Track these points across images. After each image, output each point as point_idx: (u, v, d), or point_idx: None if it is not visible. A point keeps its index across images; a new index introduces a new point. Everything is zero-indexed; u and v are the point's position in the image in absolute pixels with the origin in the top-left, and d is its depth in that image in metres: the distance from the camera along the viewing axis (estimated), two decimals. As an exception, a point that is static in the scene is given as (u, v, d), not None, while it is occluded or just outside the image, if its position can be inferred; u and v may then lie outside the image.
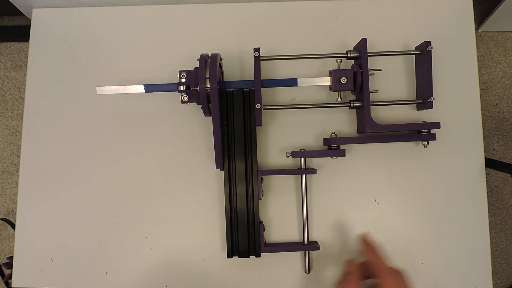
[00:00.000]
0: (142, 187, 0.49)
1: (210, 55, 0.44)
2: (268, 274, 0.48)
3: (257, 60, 0.44)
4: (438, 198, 0.48)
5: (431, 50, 0.46)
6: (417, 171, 0.49)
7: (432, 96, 0.46)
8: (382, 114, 0.49)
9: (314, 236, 0.48)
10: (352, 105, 0.46)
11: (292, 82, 0.46)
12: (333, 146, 0.47)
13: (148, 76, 0.50)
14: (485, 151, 0.49)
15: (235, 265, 0.48)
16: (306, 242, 0.46)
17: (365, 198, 0.49)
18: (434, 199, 0.48)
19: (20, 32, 1.23)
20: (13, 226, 1.07)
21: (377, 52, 0.47)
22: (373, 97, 0.46)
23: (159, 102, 0.50)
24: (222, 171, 0.45)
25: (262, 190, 0.45)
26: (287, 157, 0.47)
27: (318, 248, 0.46)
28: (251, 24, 0.51)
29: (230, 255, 0.45)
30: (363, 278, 0.39)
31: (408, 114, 0.49)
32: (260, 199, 0.45)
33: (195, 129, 0.49)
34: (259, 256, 0.45)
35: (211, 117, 0.43)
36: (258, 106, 0.44)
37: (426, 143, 0.47)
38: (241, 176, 0.45)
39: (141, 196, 0.49)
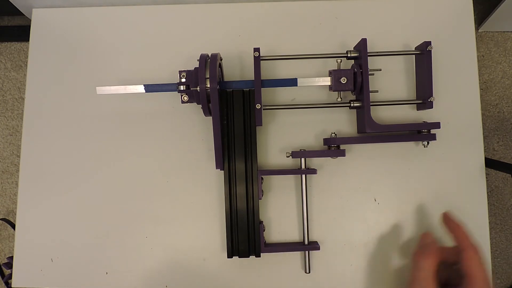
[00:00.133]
0: (142, 187, 0.49)
1: (210, 55, 0.44)
2: (268, 274, 0.48)
3: (257, 60, 0.44)
4: (438, 198, 0.48)
5: (431, 50, 0.46)
6: (417, 171, 0.49)
7: (432, 96, 0.46)
8: (382, 114, 0.49)
9: (314, 236, 0.48)
10: (352, 105, 0.46)
11: (292, 82, 0.46)
12: (333, 146, 0.47)
13: (148, 76, 0.50)
14: (485, 151, 0.49)
15: (235, 265, 0.48)
16: (306, 242, 0.46)
17: (365, 198, 0.49)
18: (434, 199, 0.48)
19: (20, 32, 1.23)
20: (13, 226, 1.07)
21: (377, 52, 0.47)
22: (373, 97, 0.46)
23: (159, 102, 0.50)
24: (222, 171, 0.45)
25: (262, 190, 0.45)
26: (287, 157, 0.47)
27: (318, 248, 0.46)
28: (251, 24, 0.51)
29: (230, 255, 0.45)
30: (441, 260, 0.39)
31: (408, 114, 0.49)
32: (260, 199, 0.45)
33: (195, 129, 0.49)
34: (259, 256, 0.45)
35: (211, 117, 0.43)
36: (258, 106, 0.44)
37: (426, 143, 0.47)
38: (241, 176, 0.45)
39: (141, 196, 0.49)
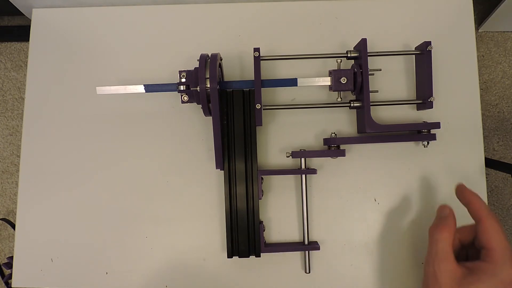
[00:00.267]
0: (142, 187, 0.49)
1: (210, 55, 0.44)
2: (268, 274, 0.48)
3: (257, 60, 0.44)
4: (438, 198, 0.48)
5: (431, 50, 0.46)
6: (417, 171, 0.49)
7: (432, 96, 0.46)
8: (382, 114, 0.49)
9: (314, 236, 0.48)
10: (352, 105, 0.46)
11: (292, 82, 0.46)
12: (333, 146, 0.47)
13: (148, 76, 0.50)
14: (485, 151, 0.49)
15: (235, 265, 0.48)
16: (306, 242, 0.46)
17: (365, 198, 0.49)
18: (434, 199, 0.48)
19: (20, 32, 1.23)
20: (13, 226, 1.07)
21: (377, 52, 0.47)
22: (373, 97, 0.46)
23: (159, 102, 0.50)
24: (222, 171, 0.45)
25: (262, 190, 0.45)
26: (287, 157, 0.47)
27: (318, 248, 0.46)
28: (251, 24, 0.51)
29: (230, 255, 0.45)
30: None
31: (408, 114, 0.49)
32: (260, 199, 0.45)
33: (195, 129, 0.49)
34: (259, 256, 0.45)
35: (211, 117, 0.43)
36: (258, 106, 0.44)
37: (426, 143, 0.47)
38: (241, 176, 0.45)
39: (141, 196, 0.49)
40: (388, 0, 0.52)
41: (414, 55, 0.49)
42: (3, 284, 0.97)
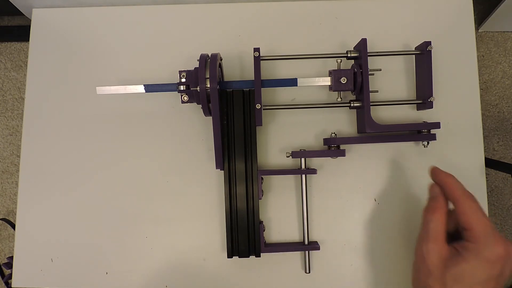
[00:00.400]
0: (142, 187, 0.49)
1: (210, 55, 0.44)
2: (268, 274, 0.48)
3: (257, 60, 0.44)
4: (438, 198, 0.48)
5: (431, 50, 0.46)
6: (417, 171, 0.49)
7: (432, 96, 0.46)
8: (382, 114, 0.49)
9: (314, 236, 0.48)
10: (352, 105, 0.46)
11: (292, 82, 0.46)
12: (333, 146, 0.47)
13: (148, 76, 0.50)
14: (485, 151, 0.49)
15: (235, 265, 0.48)
16: (306, 242, 0.46)
17: (365, 198, 0.49)
18: (434, 199, 0.48)
19: (20, 32, 1.23)
20: (13, 226, 1.07)
21: (377, 52, 0.47)
22: (373, 97, 0.46)
23: (159, 102, 0.50)
24: (222, 171, 0.45)
25: (262, 190, 0.45)
26: (287, 157, 0.47)
27: (318, 248, 0.46)
28: (251, 24, 0.51)
29: (230, 255, 0.45)
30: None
31: (408, 114, 0.49)
32: (260, 199, 0.45)
33: (195, 129, 0.49)
34: (259, 256, 0.45)
35: (211, 117, 0.43)
36: (258, 106, 0.44)
37: (426, 143, 0.47)
38: (241, 176, 0.45)
39: (141, 196, 0.49)
40: (388, 0, 0.52)
41: (414, 55, 0.49)
42: (3, 284, 0.97)
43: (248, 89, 0.46)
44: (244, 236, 0.44)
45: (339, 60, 0.46)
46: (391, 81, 0.50)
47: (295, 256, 0.48)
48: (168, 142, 0.49)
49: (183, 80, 0.44)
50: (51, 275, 0.48)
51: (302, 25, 0.51)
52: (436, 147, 0.49)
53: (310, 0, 0.52)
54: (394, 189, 0.49)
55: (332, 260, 0.48)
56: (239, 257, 0.45)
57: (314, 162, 0.49)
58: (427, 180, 0.49)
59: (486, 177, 0.92)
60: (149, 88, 0.45)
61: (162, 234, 0.48)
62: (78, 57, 0.51)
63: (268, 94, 0.50)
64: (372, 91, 0.46)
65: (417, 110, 0.49)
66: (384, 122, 0.49)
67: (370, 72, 0.45)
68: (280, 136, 0.49)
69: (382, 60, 0.50)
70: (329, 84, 0.46)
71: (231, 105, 0.45)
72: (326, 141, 0.47)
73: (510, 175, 0.83)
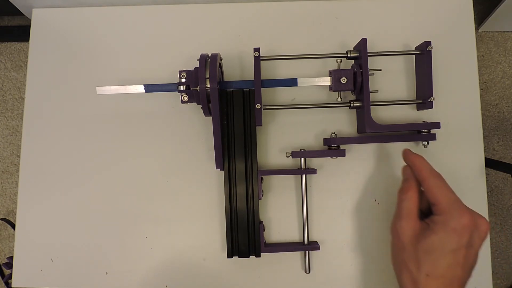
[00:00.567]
0: (142, 187, 0.49)
1: (210, 55, 0.44)
2: (268, 274, 0.48)
3: (257, 60, 0.44)
4: (438, 198, 0.48)
5: (431, 50, 0.46)
6: (417, 171, 0.49)
7: (432, 96, 0.46)
8: (382, 114, 0.49)
9: (314, 236, 0.48)
10: (352, 105, 0.46)
11: (292, 82, 0.46)
12: (333, 146, 0.47)
13: (148, 76, 0.50)
14: (485, 151, 0.49)
15: (235, 265, 0.48)
16: (306, 242, 0.46)
17: (365, 198, 0.49)
18: (434, 199, 0.48)
19: (20, 32, 1.23)
20: (13, 226, 1.07)
21: (377, 52, 0.47)
22: (373, 97, 0.46)
23: (159, 102, 0.50)
24: (222, 171, 0.45)
25: (262, 190, 0.45)
26: (287, 157, 0.47)
27: (318, 248, 0.46)
28: (251, 24, 0.51)
29: (230, 255, 0.45)
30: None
31: (408, 114, 0.49)
32: (260, 199, 0.45)
33: (195, 129, 0.49)
34: (259, 256, 0.45)
35: (211, 117, 0.43)
36: (258, 106, 0.44)
37: (426, 143, 0.47)
38: (241, 176, 0.45)
39: (141, 196, 0.49)
40: (388, 0, 0.52)
41: (414, 55, 0.49)
42: (3, 284, 0.97)
43: (248, 89, 0.46)
44: (244, 236, 0.44)
45: (339, 60, 0.46)
46: (391, 81, 0.50)
47: (295, 256, 0.48)
48: (168, 142, 0.49)
49: (183, 80, 0.44)
50: (51, 275, 0.48)
51: (302, 25, 0.51)
52: (436, 147, 0.49)
53: (310, 0, 0.52)
54: (394, 189, 0.48)
55: (332, 260, 0.48)
56: (239, 257, 0.45)
57: (314, 162, 0.49)
58: (427, 180, 0.49)
59: (486, 177, 0.92)
60: (149, 88, 0.45)
61: (162, 234, 0.48)
62: (78, 57, 0.51)
63: (268, 94, 0.50)
64: (372, 91, 0.46)
65: (417, 110, 0.49)
66: (384, 122, 0.49)
67: (370, 72, 0.45)
68: (280, 136, 0.49)
69: (382, 60, 0.50)
70: (329, 84, 0.46)
71: (231, 105, 0.45)
72: (326, 141, 0.47)
73: (510, 175, 0.83)
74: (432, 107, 0.47)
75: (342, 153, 0.46)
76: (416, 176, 0.40)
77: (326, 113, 0.49)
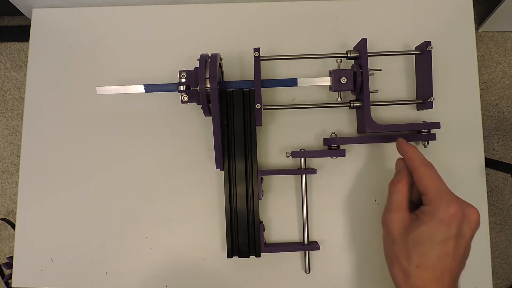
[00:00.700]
0: (142, 187, 0.49)
1: (210, 55, 0.44)
2: (268, 274, 0.48)
3: (257, 60, 0.44)
4: (438, 198, 0.48)
5: (431, 50, 0.46)
6: (417, 171, 0.49)
7: (432, 96, 0.46)
8: (382, 114, 0.49)
9: (314, 236, 0.48)
10: (352, 105, 0.46)
11: (292, 82, 0.46)
12: (333, 146, 0.47)
13: (148, 76, 0.50)
14: (485, 151, 0.49)
15: (235, 265, 0.48)
16: (306, 242, 0.46)
17: (365, 198, 0.49)
18: (434, 199, 0.48)
19: (20, 32, 1.23)
20: (13, 226, 1.07)
21: (377, 52, 0.47)
22: (373, 97, 0.46)
23: (159, 102, 0.50)
24: (222, 171, 0.45)
25: (262, 190, 0.45)
26: (287, 157, 0.47)
27: (318, 248, 0.46)
28: (251, 24, 0.51)
29: (230, 255, 0.45)
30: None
31: (408, 114, 0.49)
32: (260, 199, 0.45)
33: (195, 129, 0.49)
34: (259, 256, 0.45)
35: (211, 117, 0.43)
36: (258, 106, 0.44)
37: (426, 143, 0.47)
38: (241, 176, 0.45)
39: (141, 196, 0.49)
40: (388, 0, 0.52)
41: (414, 55, 0.49)
42: (3, 284, 0.97)
43: (248, 89, 0.46)
44: (244, 236, 0.44)
45: (339, 60, 0.46)
46: (391, 81, 0.50)
47: (295, 256, 0.48)
48: (168, 142, 0.49)
49: (183, 80, 0.44)
50: (51, 275, 0.48)
51: (302, 25, 0.51)
52: (436, 147, 0.49)
53: (310, 0, 0.52)
54: (394, 189, 0.49)
55: (332, 260, 0.48)
56: (239, 257, 0.45)
57: (314, 162, 0.49)
58: (427, 180, 0.49)
59: (486, 177, 0.92)
60: (149, 88, 0.45)
61: (162, 234, 0.48)
62: (78, 57, 0.51)
63: (268, 94, 0.50)
64: (372, 91, 0.46)
65: (417, 110, 0.49)
66: (384, 122, 0.49)
67: (370, 72, 0.45)
68: (280, 136, 0.49)
69: (382, 60, 0.50)
70: (329, 84, 0.46)
71: (231, 105, 0.45)
72: (326, 141, 0.47)
73: (510, 175, 0.83)
74: (432, 107, 0.47)
75: (342, 153, 0.46)
76: (408, 165, 0.39)
77: (326, 113, 0.49)
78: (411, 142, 0.48)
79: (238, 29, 0.51)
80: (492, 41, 1.22)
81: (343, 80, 0.44)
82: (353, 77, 0.45)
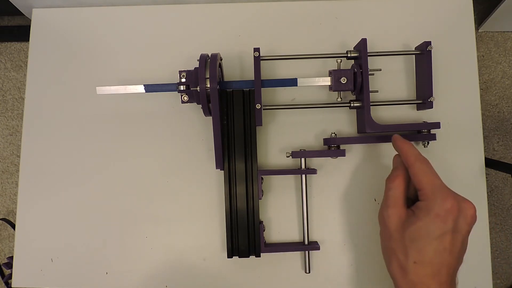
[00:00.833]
0: (142, 187, 0.49)
1: (210, 55, 0.44)
2: (268, 274, 0.48)
3: (257, 60, 0.44)
4: (438, 198, 0.48)
5: (431, 50, 0.46)
6: (417, 171, 0.49)
7: (432, 96, 0.46)
8: (382, 114, 0.49)
9: (314, 236, 0.48)
10: (352, 105, 0.46)
11: (292, 82, 0.46)
12: (333, 146, 0.47)
13: (148, 76, 0.50)
14: (485, 151, 0.49)
15: (235, 265, 0.48)
16: (306, 242, 0.46)
17: (365, 198, 0.49)
18: (434, 199, 0.48)
19: (20, 32, 1.23)
20: (13, 226, 1.07)
21: (377, 52, 0.47)
22: (373, 97, 0.46)
23: (159, 102, 0.50)
24: (222, 171, 0.45)
25: (262, 190, 0.45)
26: (287, 157, 0.47)
27: (318, 248, 0.46)
28: (251, 24, 0.51)
29: (230, 255, 0.45)
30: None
31: (408, 114, 0.49)
32: (260, 199, 0.45)
33: (195, 129, 0.49)
34: (259, 256, 0.45)
35: (211, 117, 0.43)
36: (258, 106, 0.44)
37: (426, 143, 0.47)
38: (241, 176, 0.45)
39: (141, 196, 0.49)
40: (388, 0, 0.52)
41: (414, 55, 0.49)
42: (3, 284, 0.97)
43: (248, 89, 0.46)
44: (244, 236, 0.44)
45: (339, 60, 0.46)
46: (391, 81, 0.50)
47: (295, 256, 0.48)
48: (168, 142, 0.49)
49: (183, 80, 0.44)
50: (51, 275, 0.48)
51: (302, 25, 0.51)
52: (436, 147, 0.49)
53: (310, 0, 0.52)
54: (394, 189, 0.49)
55: (332, 260, 0.48)
56: (239, 257, 0.45)
57: (314, 162, 0.49)
58: (427, 180, 0.49)
59: (486, 177, 0.92)
60: (149, 88, 0.45)
61: (162, 234, 0.48)
62: (78, 57, 0.51)
63: (268, 94, 0.50)
64: (372, 91, 0.46)
65: (417, 110, 0.49)
66: (384, 122, 0.49)
67: (370, 72, 0.45)
68: (280, 136, 0.49)
69: (382, 60, 0.50)
70: (329, 84, 0.46)
71: (231, 105, 0.45)
72: (326, 141, 0.47)
73: (510, 175, 0.83)
74: (432, 107, 0.47)
75: (342, 153, 0.46)
76: (404, 162, 0.39)
77: (326, 113, 0.49)
78: (411, 142, 0.49)
79: (238, 29, 0.51)
80: (492, 41, 1.22)
81: (343, 80, 0.44)
82: (353, 77, 0.45)
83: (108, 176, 0.49)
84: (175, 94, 0.48)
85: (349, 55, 0.45)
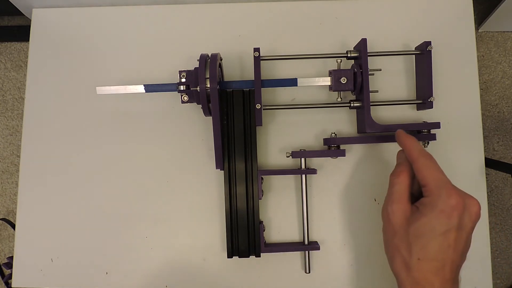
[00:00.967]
0: (142, 187, 0.49)
1: (210, 55, 0.44)
2: (268, 274, 0.48)
3: (257, 60, 0.44)
4: (438, 198, 0.48)
5: (431, 50, 0.46)
6: (417, 171, 0.49)
7: (432, 96, 0.46)
8: (382, 114, 0.49)
9: (314, 236, 0.48)
10: (352, 105, 0.46)
11: (292, 82, 0.46)
12: (333, 146, 0.47)
13: (148, 76, 0.50)
14: (485, 151, 0.49)
15: (235, 265, 0.48)
16: (306, 242, 0.46)
17: (365, 198, 0.49)
18: (434, 199, 0.48)
19: (20, 32, 1.23)
20: (13, 226, 1.07)
21: (377, 52, 0.47)
22: (373, 97, 0.46)
23: (159, 102, 0.50)
24: (222, 171, 0.45)
25: (262, 190, 0.45)
26: (287, 157, 0.47)
27: (318, 248, 0.46)
28: (251, 24, 0.51)
29: (230, 255, 0.45)
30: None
31: (408, 114, 0.49)
32: (260, 199, 0.45)
33: (195, 129, 0.49)
34: (259, 256, 0.45)
35: (211, 117, 0.43)
36: (258, 106, 0.44)
37: (426, 143, 0.47)
38: (241, 176, 0.45)
39: (141, 196, 0.49)
40: (388, 0, 0.52)
41: (414, 55, 0.49)
42: (3, 284, 0.97)
43: (248, 89, 0.46)
44: (244, 236, 0.44)
45: (339, 60, 0.46)
46: (391, 81, 0.50)
47: (295, 256, 0.48)
48: (168, 142, 0.49)
49: (183, 80, 0.44)
50: (51, 275, 0.48)
51: (302, 25, 0.51)
52: (436, 147, 0.49)
53: (310, 0, 0.52)
54: (394, 189, 0.48)
55: (332, 260, 0.48)
56: (239, 257, 0.45)
57: (314, 162, 0.49)
58: (427, 180, 0.49)
59: (486, 177, 0.92)
60: (149, 88, 0.45)
61: (162, 234, 0.48)
62: (78, 57, 0.51)
63: (268, 94, 0.50)
64: (372, 91, 0.46)
65: (417, 110, 0.49)
66: (384, 122, 0.49)
67: (370, 72, 0.45)
68: (280, 136, 0.49)
69: (382, 60, 0.50)
70: (329, 84, 0.46)
71: (231, 105, 0.45)
72: (326, 141, 0.47)
73: (510, 175, 0.83)
74: (432, 107, 0.47)
75: (342, 153, 0.46)
76: (408, 157, 0.39)
77: (326, 113, 0.49)
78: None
79: (238, 29, 0.51)
80: (492, 41, 1.22)
81: (343, 80, 0.44)
82: (353, 77, 0.45)
83: (108, 176, 0.49)
84: (175, 94, 0.48)
85: (349, 55, 0.45)
